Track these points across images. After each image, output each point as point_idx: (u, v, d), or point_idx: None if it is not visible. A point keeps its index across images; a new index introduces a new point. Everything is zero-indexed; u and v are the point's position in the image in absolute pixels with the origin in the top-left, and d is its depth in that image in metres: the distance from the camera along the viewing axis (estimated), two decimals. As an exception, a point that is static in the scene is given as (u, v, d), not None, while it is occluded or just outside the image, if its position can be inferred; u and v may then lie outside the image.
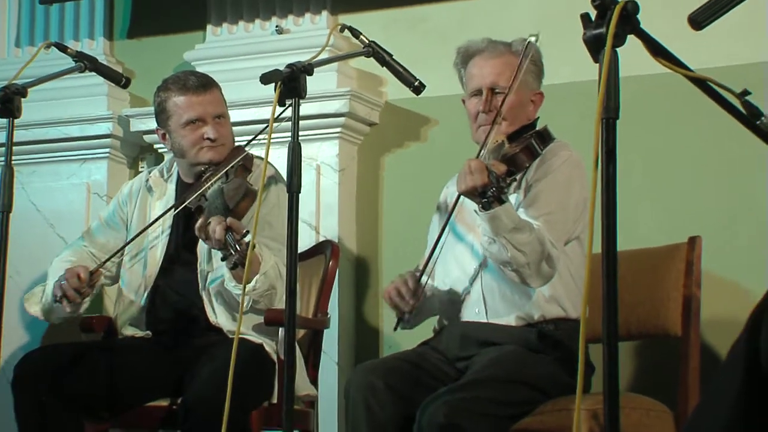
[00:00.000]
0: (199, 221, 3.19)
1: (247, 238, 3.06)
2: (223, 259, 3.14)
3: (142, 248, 3.54)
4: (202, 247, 3.42)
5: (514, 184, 3.04)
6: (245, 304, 3.25)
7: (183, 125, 3.44)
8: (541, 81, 3.23)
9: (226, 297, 3.36)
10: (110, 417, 3.40)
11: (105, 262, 3.46)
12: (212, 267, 3.40)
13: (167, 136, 3.50)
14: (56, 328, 4.34)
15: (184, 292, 3.45)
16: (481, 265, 3.09)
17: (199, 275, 3.43)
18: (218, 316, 3.38)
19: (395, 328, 3.15)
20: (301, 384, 3.40)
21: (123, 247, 3.50)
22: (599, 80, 1.84)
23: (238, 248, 3.05)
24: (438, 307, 3.24)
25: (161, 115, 3.50)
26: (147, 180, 3.63)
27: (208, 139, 3.42)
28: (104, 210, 3.77)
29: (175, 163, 3.61)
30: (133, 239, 3.48)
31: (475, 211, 2.93)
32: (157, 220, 3.47)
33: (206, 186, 3.33)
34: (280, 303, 3.26)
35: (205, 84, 3.48)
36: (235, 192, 3.26)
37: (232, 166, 3.35)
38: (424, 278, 3.12)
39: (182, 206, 3.36)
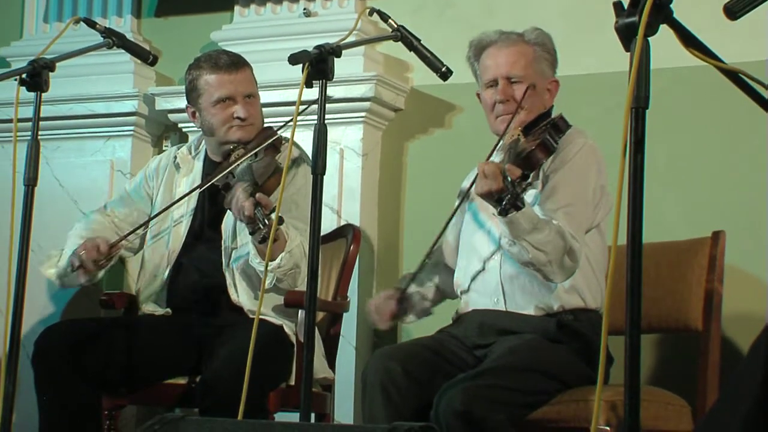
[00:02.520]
0: (231, 192, 3.19)
1: (274, 214, 3.07)
2: (251, 233, 3.14)
3: (167, 225, 3.54)
4: (226, 224, 3.43)
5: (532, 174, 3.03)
6: (269, 282, 3.26)
7: (213, 103, 3.45)
8: (555, 69, 3.22)
9: (250, 275, 3.36)
10: (128, 393, 3.43)
11: (126, 236, 3.46)
12: (237, 244, 3.41)
13: (197, 114, 3.51)
14: (77, 304, 4.36)
15: (206, 270, 3.46)
16: (499, 254, 3.09)
17: (222, 252, 3.44)
18: (240, 295, 3.39)
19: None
20: (319, 367, 3.40)
21: (146, 223, 3.51)
22: (630, 69, 1.83)
23: (267, 222, 3.06)
24: (446, 294, 3.30)
25: (192, 93, 3.51)
26: (175, 156, 3.64)
27: (238, 118, 3.43)
28: (130, 182, 3.78)
29: (203, 141, 3.62)
30: (157, 215, 3.49)
31: (494, 214, 2.93)
32: (183, 197, 3.48)
33: (235, 165, 3.33)
34: (303, 283, 3.27)
35: (237, 63, 3.48)
36: (264, 170, 3.27)
37: (261, 142, 3.35)
38: (411, 288, 3.18)
39: (209, 184, 3.37)
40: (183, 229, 3.52)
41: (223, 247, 3.44)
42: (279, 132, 3.41)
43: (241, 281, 3.39)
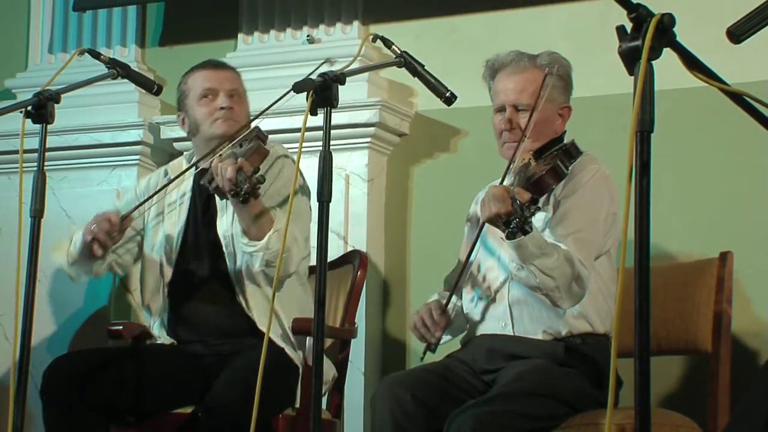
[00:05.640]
0: (213, 160, 3.19)
1: (257, 179, 3.09)
2: (234, 196, 3.12)
3: (159, 239, 3.52)
4: (223, 230, 3.41)
5: (542, 199, 3.02)
6: (258, 264, 3.27)
7: (198, 98, 3.49)
8: (569, 95, 3.21)
9: (254, 275, 3.34)
10: (136, 423, 3.41)
11: (135, 209, 3.44)
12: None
13: (185, 119, 3.54)
14: (85, 335, 4.36)
15: (206, 295, 3.44)
16: (508, 279, 3.08)
17: (227, 261, 3.41)
18: (253, 309, 3.36)
19: (422, 358, 3.16)
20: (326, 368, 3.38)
21: (151, 197, 3.51)
22: (634, 93, 1.83)
23: (248, 183, 3.06)
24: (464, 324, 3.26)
25: (181, 98, 3.57)
26: (166, 172, 3.65)
27: (221, 108, 3.45)
28: (119, 199, 3.78)
29: (194, 153, 3.62)
30: (155, 193, 3.50)
31: (501, 238, 2.93)
32: (177, 177, 3.49)
33: (223, 150, 3.32)
34: (295, 266, 3.30)
35: (224, 64, 3.58)
36: (247, 150, 3.24)
37: (246, 136, 3.33)
38: (451, 303, 3.13)
39: (195, 164, 3.41)
40: (175, 242, 3.49)
41: (226, 254, 3.41)
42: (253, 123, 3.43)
43: (249, 282, 3.36)
